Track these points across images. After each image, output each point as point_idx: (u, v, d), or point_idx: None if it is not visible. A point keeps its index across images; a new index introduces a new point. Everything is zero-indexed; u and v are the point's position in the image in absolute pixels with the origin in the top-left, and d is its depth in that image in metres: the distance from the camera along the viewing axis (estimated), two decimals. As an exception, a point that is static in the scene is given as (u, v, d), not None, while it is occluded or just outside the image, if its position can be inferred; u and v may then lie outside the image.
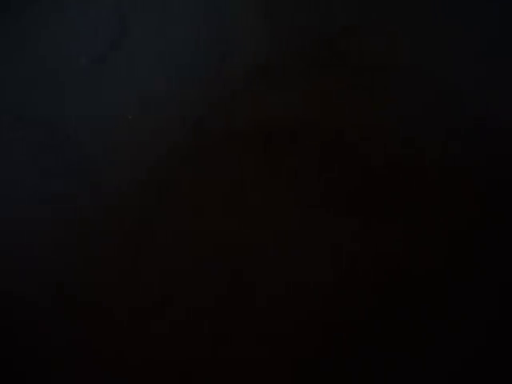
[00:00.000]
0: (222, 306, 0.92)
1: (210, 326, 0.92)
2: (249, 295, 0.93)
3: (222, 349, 0.91)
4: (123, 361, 0.91)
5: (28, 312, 0.92)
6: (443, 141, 0.99)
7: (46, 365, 0.91)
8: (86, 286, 0.93)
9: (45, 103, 1.02)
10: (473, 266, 0.94)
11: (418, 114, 1.01)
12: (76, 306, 0.92)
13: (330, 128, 1.00)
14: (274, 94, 1.02)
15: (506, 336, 0.90)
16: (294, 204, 0.97)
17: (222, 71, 1.03)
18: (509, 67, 1.03)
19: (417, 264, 0.94)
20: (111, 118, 1.01)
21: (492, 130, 0.99)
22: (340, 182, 0.97)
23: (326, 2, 1.06)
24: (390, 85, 1.02)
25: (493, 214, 0.96)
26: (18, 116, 1.02)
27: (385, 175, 0.97)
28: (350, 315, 0.92)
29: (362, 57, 1.03)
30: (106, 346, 0.91)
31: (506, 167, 0.98)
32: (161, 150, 0.99)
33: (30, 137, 1.00)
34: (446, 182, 0.97)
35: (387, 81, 1.02)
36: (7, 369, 0.91)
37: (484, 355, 0.90)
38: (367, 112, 1.01)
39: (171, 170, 0.99)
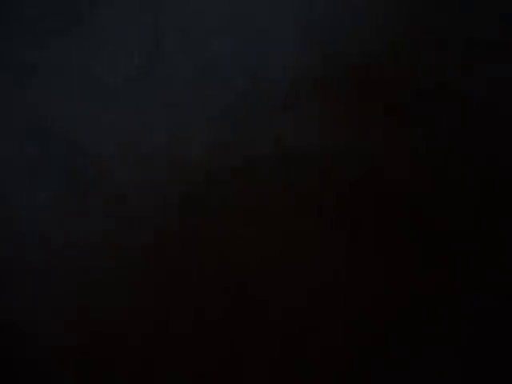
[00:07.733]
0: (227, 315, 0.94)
1: (219, 331, 0.93)
2: (253, 305, 0.94)
3: (234, 353, 0.92)
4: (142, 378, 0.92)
5: (38, 338, 0.95)
6: (464, 154, 0.99)
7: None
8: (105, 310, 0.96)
9: (75, 122, 1.06)
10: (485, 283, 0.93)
11: (440, 134, 1.01)
12: (92, 325, 0.95)
13: (352, 152, 1.01)
14: (298, 118, 1.04)
15: (509, 353, 0.89)
16: (313, 224, 0.98)
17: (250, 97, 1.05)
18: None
19: (431, 279, 0.94)
20: (139, 136, 1.04)
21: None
22: (363, 204, 0.98)
23: (354, 27, 1.08)
24: (417, 108, 1.03)
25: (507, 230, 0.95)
26: (48, 133, 1.05)
27: (403, 194, 0.98)
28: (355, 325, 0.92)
29: (386, 82, 1.04)
30: (124, 365, 0.92)
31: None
32: (187, 167, 1.02)
33: (59, 156, 1.04)
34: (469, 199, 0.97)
35: (413, 105, 1.03)
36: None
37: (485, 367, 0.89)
38: (392, 134, 1.02)
39: (196, 186, 1.00)
